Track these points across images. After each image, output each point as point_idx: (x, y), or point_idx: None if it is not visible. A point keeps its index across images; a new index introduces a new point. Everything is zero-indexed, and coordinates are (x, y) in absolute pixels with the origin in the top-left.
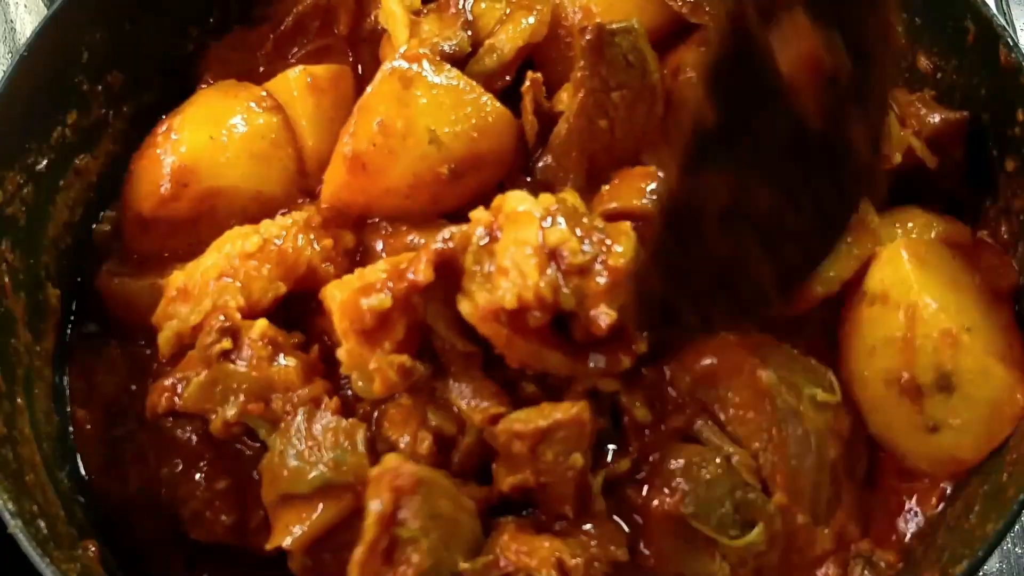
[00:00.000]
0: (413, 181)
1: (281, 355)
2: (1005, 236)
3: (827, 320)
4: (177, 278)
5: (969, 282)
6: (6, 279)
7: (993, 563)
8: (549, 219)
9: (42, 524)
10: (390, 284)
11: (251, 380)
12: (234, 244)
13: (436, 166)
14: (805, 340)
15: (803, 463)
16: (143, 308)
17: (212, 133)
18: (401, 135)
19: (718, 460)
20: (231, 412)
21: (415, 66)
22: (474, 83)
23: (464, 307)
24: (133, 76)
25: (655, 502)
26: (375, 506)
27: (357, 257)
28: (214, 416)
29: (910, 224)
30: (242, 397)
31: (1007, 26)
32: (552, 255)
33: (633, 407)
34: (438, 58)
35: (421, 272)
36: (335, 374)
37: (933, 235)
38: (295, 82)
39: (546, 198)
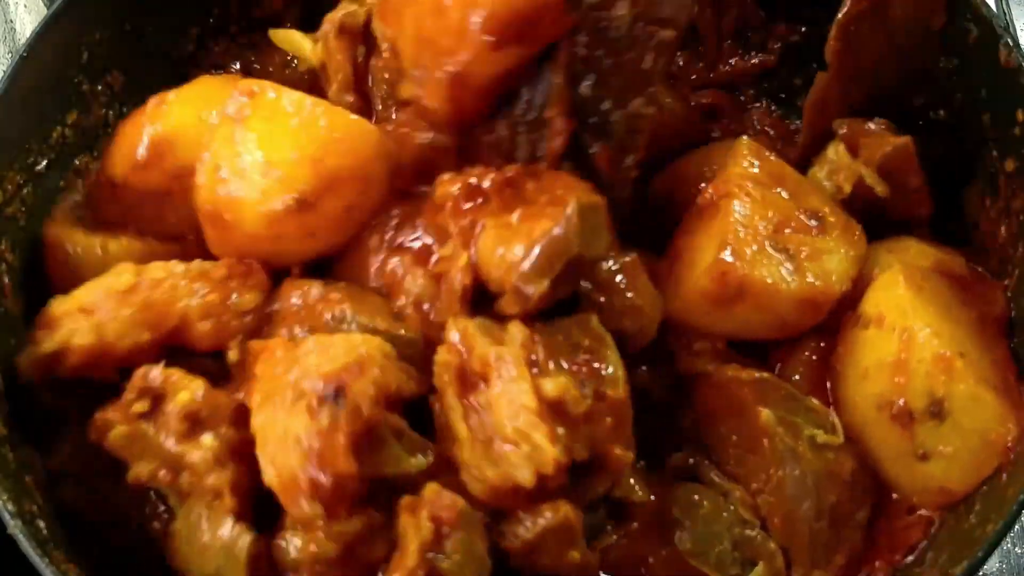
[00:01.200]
0: (266, 221)
1: (203, 434)
2: (1004, 236)
3: (822, 350)
4: (55, 304)
5: (966, 315)
6: (6, 279)
7: (993, 563)
8: (535, 360)
9: (42, 524)
10: (322, 474)
11: (163, 450)
12: (106, 279)
13: (279, 198)
14: (803, 368)
15: (800, 506)
16: (85, 273)
17: (201, 113)
18: (238, 175)
19: (716, 497)
20: (143, 472)
21: (249, 100)
22: (318, 100)
23: (474, 487)
24: (133, 76)
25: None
26: (416, 534)
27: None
28: (131, 466)
29: (904, 252)
30: (154, 463)
31: (1007, 26)
32: (554, 408)
33: (631, 494)
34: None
35: (341, 463)
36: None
37: (927, 264)
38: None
39: (518, 332)
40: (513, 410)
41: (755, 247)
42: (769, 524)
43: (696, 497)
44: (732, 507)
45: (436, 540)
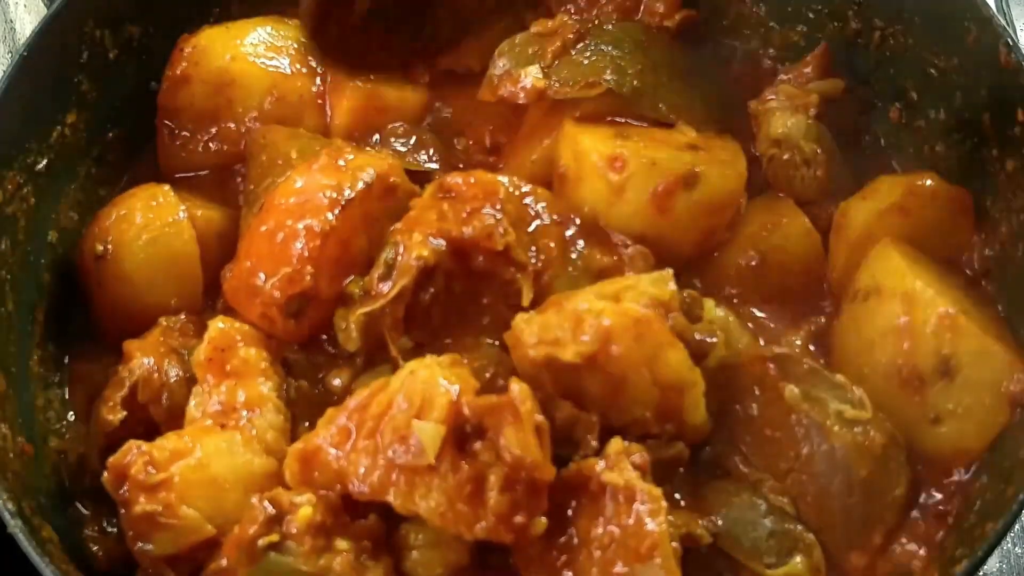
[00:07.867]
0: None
1: (336, 539)
2: (1004, 235)
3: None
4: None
5: (956, 280)
6: (6, 279)
7: (993, 563)
8: None
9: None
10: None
11: (303, 572)
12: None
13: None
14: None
15: (831, 482)
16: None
17: (238, 38)
18: None
19: (748, 490)
20: None
21: None
22: None
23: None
24: (133, 76)
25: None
26: None
27: None
28: None
29: (875, 193)
30: None
31: (1007, 26)
32: None
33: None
34: None
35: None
36: (395, 532)
37: (899, 192)
38: None
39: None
40: None
41: None
42: (801, 504)
43: (731, 489)
44: (765, 497)
45: None
